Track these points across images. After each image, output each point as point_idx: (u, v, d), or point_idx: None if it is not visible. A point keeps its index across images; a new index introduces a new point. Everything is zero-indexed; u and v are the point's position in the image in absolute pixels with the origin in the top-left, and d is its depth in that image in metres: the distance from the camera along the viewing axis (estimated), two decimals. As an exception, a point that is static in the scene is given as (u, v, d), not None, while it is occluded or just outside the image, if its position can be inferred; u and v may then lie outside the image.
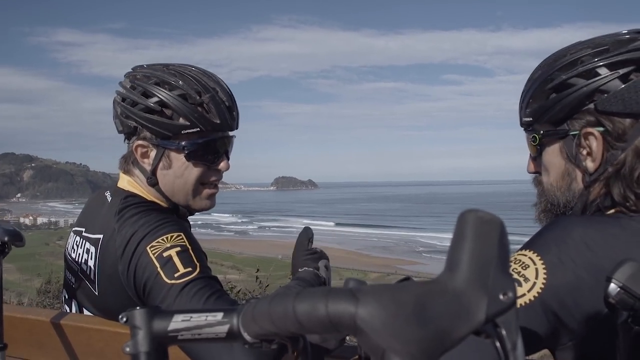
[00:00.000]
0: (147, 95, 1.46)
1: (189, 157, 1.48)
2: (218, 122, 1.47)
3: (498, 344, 0.49)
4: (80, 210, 1.67)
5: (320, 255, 1.55)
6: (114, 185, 1.60)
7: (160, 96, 1.44)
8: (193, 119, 1.44)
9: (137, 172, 1.54)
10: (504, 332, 0.48)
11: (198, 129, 1.45)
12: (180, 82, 1.45)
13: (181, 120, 1.45)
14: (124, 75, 1.56)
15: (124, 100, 1.50)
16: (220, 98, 1.49)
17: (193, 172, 1.50)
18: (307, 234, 1.61)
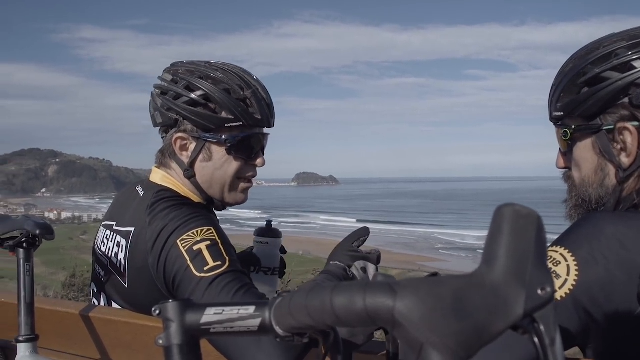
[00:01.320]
0: (190, 88, 1.49)
1: (229, 151, 1.52)
2: (259, 117, 1.52)
3: (536, 340, 0.48)
4: (106, 205, 1.69)
5: (362, 256, 1.48)
6: (146, 179, 1.62)
7: (205, 89, 1.48)
8: (237, 113, 1.48)
9: (173, 164, 1.56)
10: (542, 328, 0.48)
11: (240, 123, 1.49)
12: (224, 77, 1.49)
13: (224, 114, 1.49)
14: (164, 70, 1.59)
15: (164, 93, 1.53)
16: (261, 95, 1.53)
17: (232, 165, 1.53)
18: (357, 234, 1.54)
